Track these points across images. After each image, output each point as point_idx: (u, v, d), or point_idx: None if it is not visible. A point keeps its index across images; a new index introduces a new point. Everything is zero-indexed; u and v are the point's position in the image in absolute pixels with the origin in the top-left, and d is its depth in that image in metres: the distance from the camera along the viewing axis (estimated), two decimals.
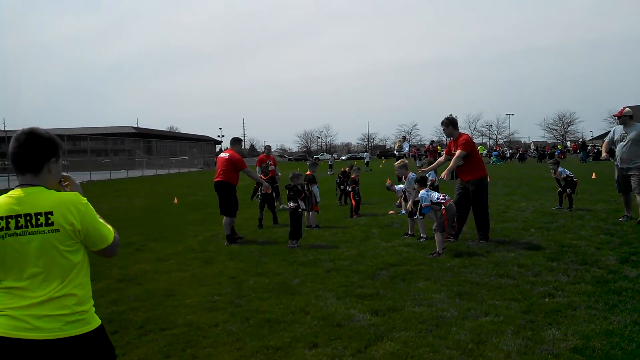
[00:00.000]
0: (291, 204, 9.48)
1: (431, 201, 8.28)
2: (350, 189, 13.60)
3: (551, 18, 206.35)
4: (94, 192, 24.83)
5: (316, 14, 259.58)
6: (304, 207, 9.31)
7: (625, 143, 10.11)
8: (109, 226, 2.61)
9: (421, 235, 9.36)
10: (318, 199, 11.66)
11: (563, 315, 5.13)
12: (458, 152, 8.96)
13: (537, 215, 11.89)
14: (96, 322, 2.53)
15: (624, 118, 10.26)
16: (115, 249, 2.67)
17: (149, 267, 8.04)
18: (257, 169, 14.51)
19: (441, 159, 10.15)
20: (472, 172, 9.03)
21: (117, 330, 5.19)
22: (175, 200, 18.63)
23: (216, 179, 10.19)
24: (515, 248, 8.29)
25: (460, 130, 9.53)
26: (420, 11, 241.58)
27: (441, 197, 8.34)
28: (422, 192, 8.45)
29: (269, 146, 15.84)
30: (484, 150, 54.49)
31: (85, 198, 2.56)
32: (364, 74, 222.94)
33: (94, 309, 2.55)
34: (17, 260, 2.38)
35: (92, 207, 2.55)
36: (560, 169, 12.96)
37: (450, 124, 9.42)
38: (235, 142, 10.73)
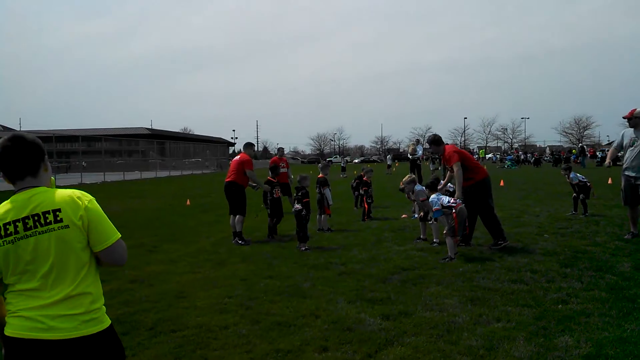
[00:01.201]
0: (297, 206, 9.49)
1: (442, 205, 8.22)
2: (362, 191, 13.56)
3: (567, 19, 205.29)
4: (108, 192, 25.04)
5: (331, 16, 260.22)
6: (305, 212, 9.29)
7: (634, 148, 8.96)
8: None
9: (434, 240, 9.31)
10: (330, 202, 11.63)
11: (576, 322, 5.07)
12: (454, 168, 8.84)
13: (552, 220, 11.79)
14: (107, 321, 2.53)
15: (635, 120, 8.97)
16: (121, 253, 2.60)
17: (161, 269, 8.08)
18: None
19: (449, 173, 9.63)
20: (468, 178, 8.91)
21: (128, 331, 5.21)
22: (188, 202, 18.71)
23: (227, 180, 10.75)
24: (528, 253, 8.23)
25: (447, 142, 9.67)
26: (435, 13, 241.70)
27: (452, 201, 8.29)
28: (432, 196, 8.41)
29: (282, 148, 15.88)
30: (484, 154, 54.08)
31: (88, 194, 2.56)
32: (378, 76, 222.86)
33: (104, 308, 2.55)
34: (29, 263, 2.38)
35: (97, 203, 2.55)
36: (572, 175, 12.81)
37: (432, 143, 9.58)
38: (248, 146, 11.60)
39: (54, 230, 2.38)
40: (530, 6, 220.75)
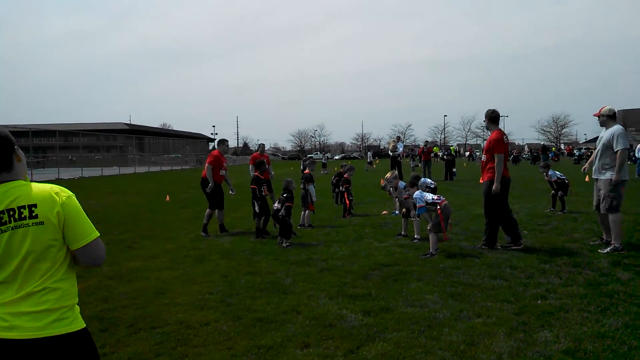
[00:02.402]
0: (277, 205, 9.51)
1: (426, 202, 8.25)
2: (343, 188, 13.58)
3: (547, 19, 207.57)
4: (86, 188, 24.71)
5: (312, 14, 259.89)
6: (284, 213, 9.27)
7: (598, 148, 8.37)
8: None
9: (415, 236, 9.34)
10: (314, 198, 11.65)
11: (555, 318, 5.13)
12: (496, 158, 8.31)
13: (530, 217, 11.91)
14: (80, 323, 2.40)
15: (602, 118, 8.32)
16: (99, 252, 2.47)
17: (140, 265, 7.99)
18: (250, 167, 14.54)
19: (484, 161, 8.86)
20: (484, 174, 8.62)
21: (106, 328, 5.14)
22: (167, 198, 18.55)
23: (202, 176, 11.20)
24: (508, 250, 8.29)
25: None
26: (417, 11, 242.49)
27: (436, 198, 8.32)
28: (416, 193, 8.42)
29: (263, 144, 15.78)
30: (438, 151, 54.39)
31: (68, 190, 2.45)
32: (359, 73, 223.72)
33: (78, 308, 2.43)
34: (0, 258, 2.28)
35: (76, 200, 2.44)
36: (550, 172, 12.99)
37: (488, 118, 8.80)
38: (220, 142, 11.89)
39: (29, 226, 2.28)
40: (511, 6, 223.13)
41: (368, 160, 47.44)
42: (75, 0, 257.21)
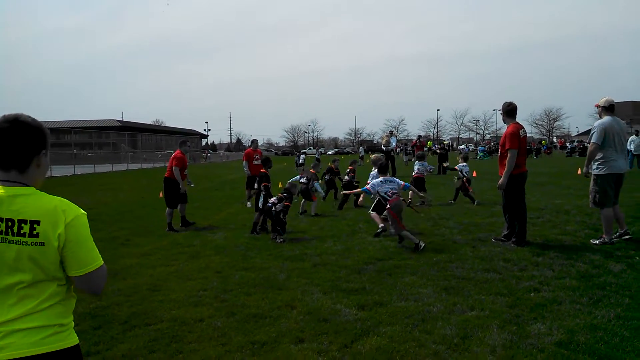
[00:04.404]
0: (274, 200, 9.60)
1: (373, 188, 8.55)
2: (349, 177, 14.31)
3: (541, 14, 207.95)
4: (78, 185, 24.60)
5: (305, 10, 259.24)
6: (278, 209, 9.38)
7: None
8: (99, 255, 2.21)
9: (380, 226, 9.32)
10: (322, 193, 13.53)
11: (548, 310, 5.16)
12: (509, 153, 8.10)
13: None
14: (74, 339, 2.17)
15: (598, 109, 8.26)
16: (98, 283, 2.22)
17: (134, 262, 7.97)
18: (244, 163, 14.61)
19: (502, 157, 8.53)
20: (517, 165, 8.20)
21: (100, 325, 5.13)
22: (161, 195, 18.41)
23: (165, 175, 11.71)
24: (502, 243, 8.32)
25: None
26: (410, 7, 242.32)
27: (389, 193, 8.32)
28: (378, 179, 8.49)
29: (256, 140, 15.76)
30: (432, 146, 54.81)
31: (78, 208, 2.16)
32: (352, 68, 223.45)
33: (73, 323, 2.21)
34: None
35: (85, 219, 2.16)
36: (459, 165, 13.81)
37: (505, 111, 8.53)
38: (182, 144, 12.23)
39: (26, 244, 2.03)
40: (505, 1, 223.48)
41: (360, 154, 47.70)
42: None
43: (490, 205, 12.85)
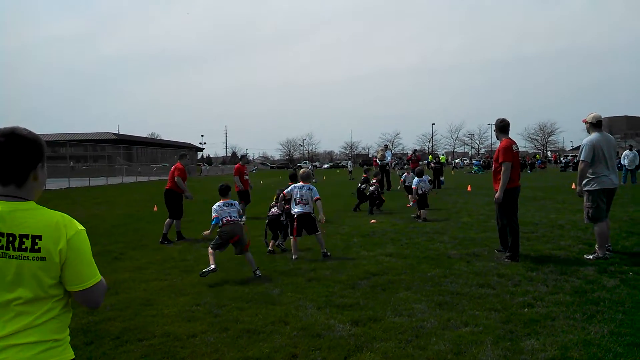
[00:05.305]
0: (275, 210, 9.86)
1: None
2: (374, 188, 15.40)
3: (534, 28, 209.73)
4: (73, 198, 24.51)
5: (300, 22, 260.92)
6: (284, 217, 9.61)
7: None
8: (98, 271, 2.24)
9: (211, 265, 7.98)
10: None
11: (542, 326, 5.15)
12: (503, 167, 8.16)
13: None
14: (69, 354, 2.18)
15: (587, 126, 8.35)
16: (97, 297, 2.23)
17: (127, 276, 7.93)
18: (235, 179, 14.78)
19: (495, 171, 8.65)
20: (495, 183, 8.42)
21: (92, 341, 5.09)
22: (155, 208, 18.43)
23: (166, 187, 12.03)
24: (495, 258, 8.32)
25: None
26: (404, 19, 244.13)
27: (226, 219, 7.93)
28: (219, 202, 8.10)
29: (245, 155, 15.87)
30: (433, 160, 55.29)
31: (78, 224, 2.18)
32: (347, 81, 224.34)
33: (69, 338, 2.23)
34: None
35: (85, 235, 2.19)
36: (408, 177, 14.75)
37: (497, 127, 8.67)
38: (181, 157, 12.56)
39: (27, 259, 2.03)
40: (498, 14, 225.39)
41: (349, 169, 48.49)
42: (57, 4, 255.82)
43: (484, 220, 12.85)
